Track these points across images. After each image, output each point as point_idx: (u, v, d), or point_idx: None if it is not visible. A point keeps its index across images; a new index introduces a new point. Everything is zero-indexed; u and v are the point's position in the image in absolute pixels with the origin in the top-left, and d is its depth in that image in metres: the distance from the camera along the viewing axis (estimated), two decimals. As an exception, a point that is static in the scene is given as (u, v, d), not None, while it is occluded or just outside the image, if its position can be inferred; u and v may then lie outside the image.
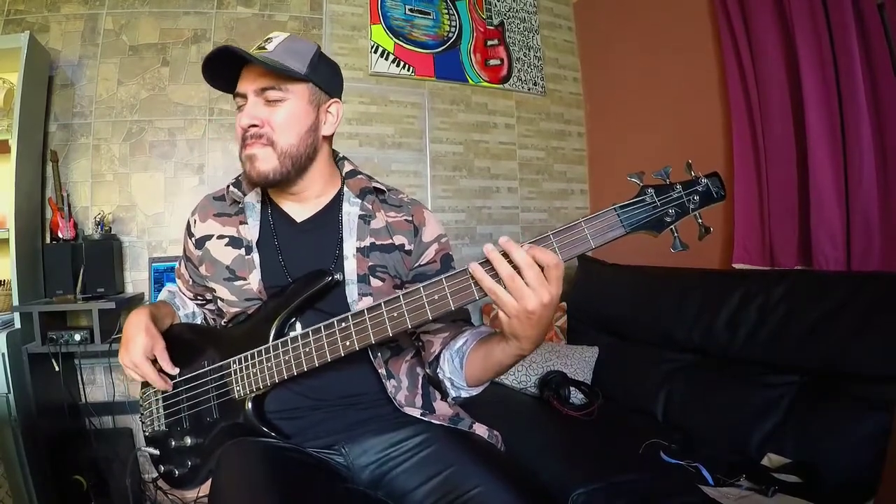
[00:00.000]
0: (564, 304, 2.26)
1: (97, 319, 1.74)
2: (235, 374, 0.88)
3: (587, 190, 2.81)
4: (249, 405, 0.87)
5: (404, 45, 2.43)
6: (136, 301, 2.00)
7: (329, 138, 0.96)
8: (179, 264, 1.11)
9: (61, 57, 2.04)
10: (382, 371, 0.91)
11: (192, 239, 1.01)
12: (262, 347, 0.85)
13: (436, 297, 0.72)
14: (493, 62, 2.58)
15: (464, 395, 0.91)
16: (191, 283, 1.08)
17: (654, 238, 0.69)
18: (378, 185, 0.99)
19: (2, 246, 1.77)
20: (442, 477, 0.81)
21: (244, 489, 0.73)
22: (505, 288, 0.67)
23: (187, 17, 2.17)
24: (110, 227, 2.00)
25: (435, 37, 2.48)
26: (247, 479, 0.75)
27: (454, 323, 0.94)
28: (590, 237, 0.68)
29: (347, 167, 1.01)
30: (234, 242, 0.95)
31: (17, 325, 1.73)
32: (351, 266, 0.91)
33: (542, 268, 0.67)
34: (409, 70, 2.42)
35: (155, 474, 1.02)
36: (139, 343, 0.91)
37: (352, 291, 0.89)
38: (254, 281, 0.92)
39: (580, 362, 1.93)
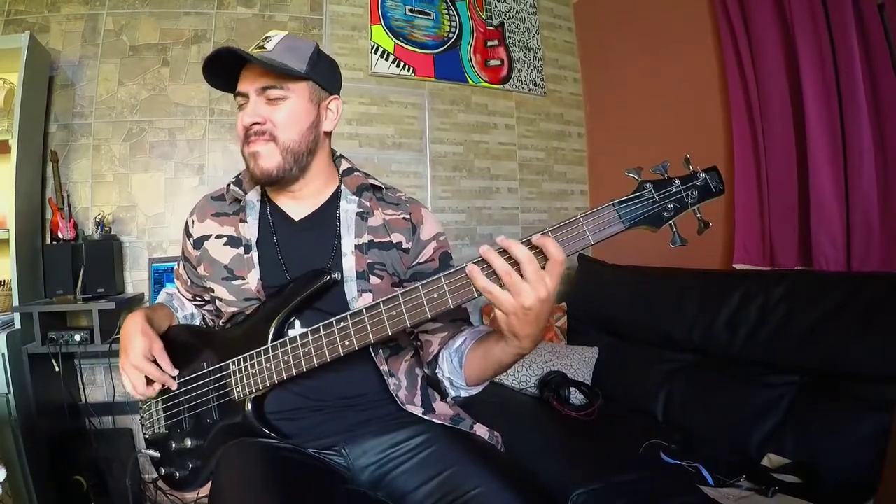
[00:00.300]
0: (564, 304, 2.26)
1: (97, 320, 1.74)
2: (235, 374, 0.88)
3: (587, 190, 2.81)
4: (249, 406, 0.86)
5: (404, 45, 2.43)
6: (136, 301, 2.00)
7: (329, 135, 0.97)
8: (178, 265, 1.11)
9: (61, 57, 2.04)
10: (384, 368, 0.91)
11: (191, 239, 1.01)
12: (261, 348, 0.85)
13: (435, 295, 0.72)
14: (493, 63, 2.59)
15: (463, 394, 0.91)
16: (189, 283, 1.07)
17: (654, 234, 0.69)
18: (375, 183, 0.99)
19: (2, 246, 1.77)
20: (442, 477, 0.81)
21: (244, 490, 0.73)
22: (501, 285, 0.67)
23: (188, 18, 2.17)
24: (110, 228, 2.00)
25: (435, 37, 2.48)
26: (247, 480, 0.75)
27: (453, 322, 0.94)
28: (588, 233, 0.67)
29: (344, 165, 1.02)
30: (233, 242, 0.95)
31: (17, 325, 1.73)
32: (349, 263, 0.91)
33: (545, 261, 0.67)
34: (409, 70, 2.42)
35: (155, 475, 1.02)
36: (137, 345, 0.90)
37: (351, 288, 0.89)
38: (252, 280, 0.92)
39: (580, 363, 1.93)
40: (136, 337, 0.91)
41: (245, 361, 0.87)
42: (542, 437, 1.53)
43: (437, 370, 0.93)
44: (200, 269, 0.99)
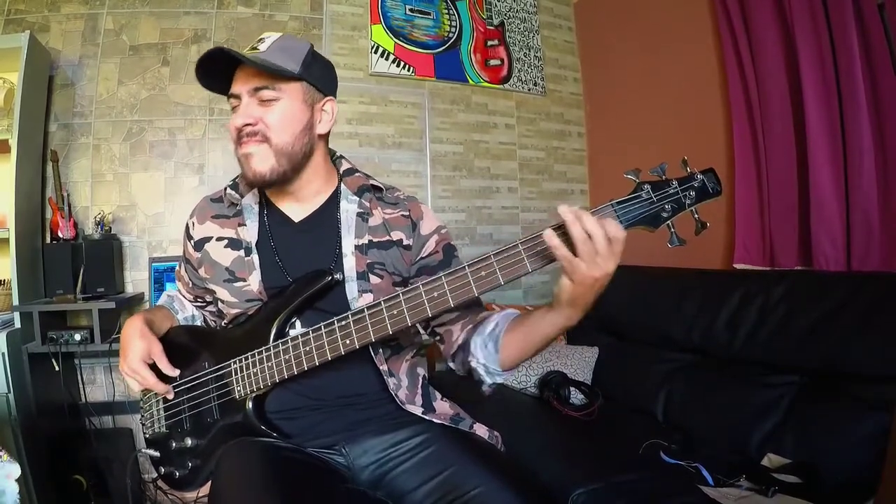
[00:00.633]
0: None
1: (97, 319, 1.74)
2: (236, 374, 0.88)
3: (587, 190, 2.81)
4: (250, 405, 0.87)
5: (404, 45, 2.43)
6: (136, 301, 2.00)
7: (325, 137, 0.96)
8: (179, 266, 1.11)
9: (61, 57, 2.04)
10: (384, 368, 0.91)
11: (191, 241, 1.01)
12: (262, 348, 0.85)
13: (435, 294, 0.72)
14: (493, 62, 2.58)
15: (499, 380, 0.89)
16: (191, 285, 1.07)
17: (652, 234, 0.70)
18: (375, 183, 0.99)
19: (2, 246, 1.77)
20: (442, 477, 0.81)
21: (244, 489, 0.73)
22: (574, 254, 0.68)
23: (187, 17, 2.17)
24: (110, 227, 2.00)
25: (435, 37, 2.48)
26: (247, 479, 0.75)
27: (468, 308, 0.92)
28: (622, 223, 0.68)
29: (344, 165, 1.01)
30: (234, 244, 0.95)
31: (17, 324, 1.73)
32: (350, 263, 0.91)
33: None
34: (409, 70, 2.42)
35: (155, 474, 1.02)
36: (136, 348, 0.90)
37: (352, 289, 0.89)
38: (254, 282, 0.92)
39: (580, 362, 1.93)
40: (135, 340, 0.91)
41: (246, 361, 0.87)
42: (542, 437, 1.53)
43: (471, 358, 0.89)
44: (202, 271, 0.99)
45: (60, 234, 1.84)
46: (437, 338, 0.97)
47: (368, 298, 0.88)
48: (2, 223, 1.83)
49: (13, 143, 1.72)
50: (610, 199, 0.69)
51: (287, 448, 0.85)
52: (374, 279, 0.91)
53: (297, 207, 0.97)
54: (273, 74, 0.85)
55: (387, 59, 2.39)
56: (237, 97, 0.88)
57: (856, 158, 1.49)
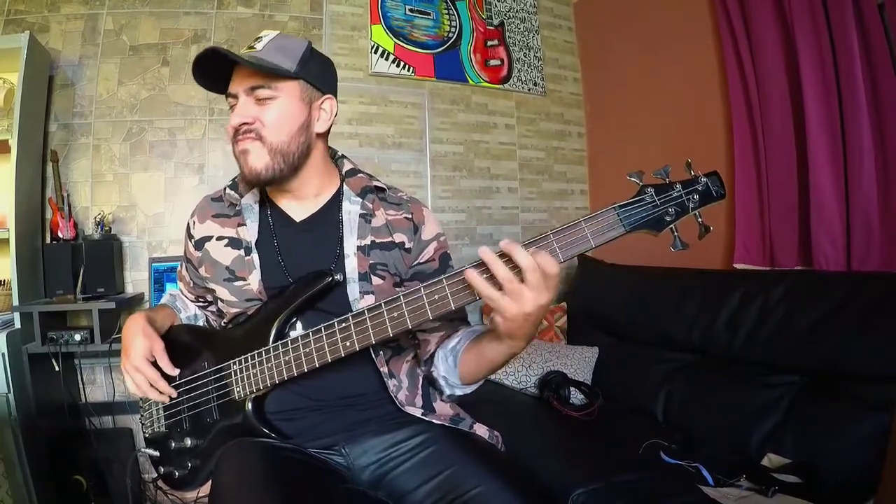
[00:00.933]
0: (564, 304, 2.26)
1: (97, 319, 1.74)
2: (235, 374, 0.88)
3: (587, 190, 2.81)
4: (250, 406, 0.87)
5: (404, 45, 2.43)
6: (136, 301, 2.00)
7: (324, 136, 0.95)
8: (181, 266, 1.10)
9: (61, 57, 2.04)
10: (385, 370, 0.91)
11: (192, 240, 1.01)
12: (262, 349, 0.85)
13: (436, 297, 0.72)
14: (493, 62, 2.58)
15: (458, 392, 0.92)
16: (192, 285, 1.07)
17: (655, 237, 0.69)
18: (378, 184, 0.99)
19: (2, 246, 1.77)
20: (442, 477, 0.81)
21: (244, 489, 0.73)
22: (502, 291, 0.67)
23: (187, 17, 2.17)
24: (110, 227, 2.00)
25: (435, 37, 2.48)
26: (247, 480, 0.75)
27: (451, 322, 0.94)
28: (590, 236, 0.68)
29: (347, 166, 1.01)
30: (234, 243, 0.95)
31: (17, 325, 1.73)
32: (352, 264, 0.90)
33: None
34: (409, 70, 2.42)
35: (155, 474, 1.02)
36: (138, 346, 0.91)
37: (353, 290, 0.89)
38: (254, 281, 0.91)
39: (580, 362, 1.93)
40: (137, 338, 0.91)
41: (246, 361, 0.87)
42: (542, 437, 1.53)
43: (433, 369, 0.93)
44: (202, 271, 0.99)
45: (60, 235, 1.84)
46: (416, 342, 0.98)
47: (370, 300, 0.88)
48: (2, 223, 1.83)
49: (13, 143, 1.71)
50: (612, 203, 0.68)
51: (287, 448, 0.85)
52: (376, 280, 0.91)
53: (298, 207, 0.96)
54: (269, 73, 0.85)
55: (387, 59, 2.39)
56: (234, 97, 0.88)
57: (856, 158, 1.49)
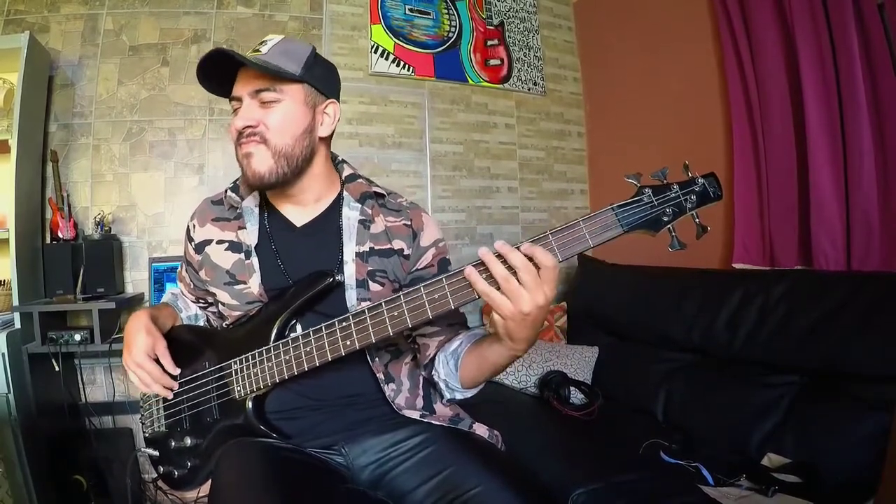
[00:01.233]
0: (564, 303, 2.26)
1: (97, 319, 1.74)
2: (236, 374, 0.88)
3: (587, 190, 2.81)
4: (250, 405, 0.87)
5: (404, 45, 2.43)
6: (136, 301, 2.00)
7: (327, 140, 0.95)
8: (181, 268, 1.10)
9: (61, 57, 2.04)
10: (380, 375, 0.91)
11: (192, 243, 1.01)
12: (262, 348, 0.85)
13: (436, 296, 0.72)
14: (493, 62, 2.58)
15: (458, 396, 0.93)
16: (192, 286, 1.07)
17: (653, 237, 0.70)
18: (378, 190, 0.99)
19: (2, 246, 1.77)
20: (442, 477, 0.81)
21: (244, 489, 0.73)
22: (499, 290, 0.68)
23: (187, 17, 2.17)
24: (110, 227, 2.00)
25: (435, 37, 2.48)
26: (247, 479, 0.75)
27: (450, 326, 0.94)
28: (588, 236, 0.68)
29: (347, 171, 1.01)
30: (234, 247, 0.95)
31: (17, 325, 1.73)
32: (350, 271, 0.91)
33: (538, 268, 0.67)
34: (409, 70, 2.42)
35: (155, 474, 1.02)
36: (141, 343, 0.91)
37: (351, 296, 0.90)
38: (254, 285, 0.92)
39: (580, 362, 1.93)
40: (140, 335, 0.92)
41: (246, 361, 0.87)
42: (542, 436, 1.53)
43: (434, 373, 0.93)
44: (202, 274, 0.99)
45: (60, 235, 1.84)
46: (416, 346, 0.98)
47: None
48: (2, 223, 1.83)
49: (13, 143, 1.71)
50: (610, 203, 0.69)
51: (287, 448, 0.85)
52: (374, 286, 0.91)
53: (299, 211, 0.96)
54: (274, 76, 0.85)
55: (387, 58, 2.39)
56: (238, 99, 0.88)
57: (856, 158, 1.49)
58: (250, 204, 0.98)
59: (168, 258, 2.05)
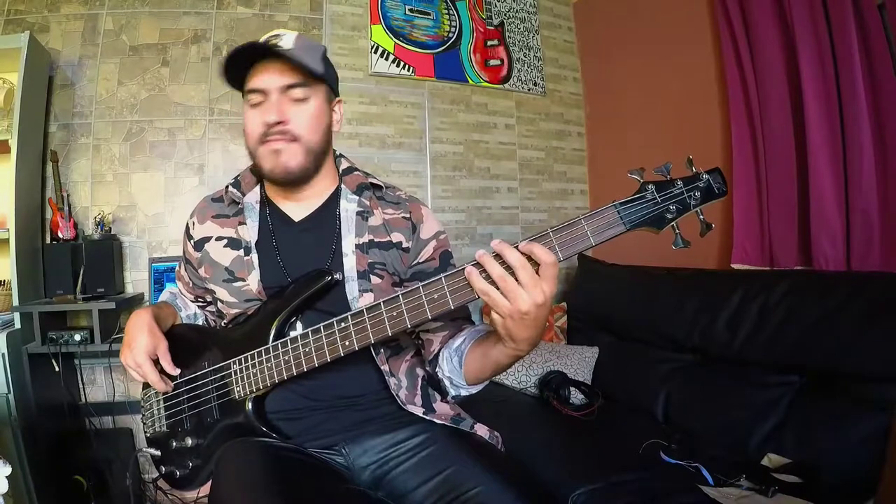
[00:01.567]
0: (564, 304, 2.26)
1: (97, 319, 1.74)
2: (236, 374, 0.88)
3: (587, 190, 2.81)
4: (250, 405, 0.87)
5: (404, 45, 2.43)
6: (136, 301, 2.00)
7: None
8: (179, 266, 1.11)
9: (61, 57, 2.04)
10: (385, 368, 0.91)
11: (191, 241, 1.01)
12: (262, 348, 0.85)
13: (435, 296, 0.72)
14: (493, 62, 2.58)
15: (463, 393, 0.91)
16: (191, 285, 1.07)
17: (655, 235, 0.69)
18: (375, 181, 0.99)
19: (2, 246, 1.77)
20: (442, 477, 0.81)
21: (244, 489, 0.73)
22: (498, 289, 0.67)
23: (187, 18, 2.17)
24: (110, 227, 2.00)
25: (435, 37, 2.48)
26: (247, 480, 0.75)
27: (454, 322, 0.94)
28: (590, 234, 0.67)
29: (344, 164, 1.02)
30: (233, 244, 0.95)
31: (17, 325, 1.73)
32: (350, 263, 0.91)
33: (537, 265, 0.66)
34: (409, 70, 2.42)
35: (155, 474, 1.02)
36: (142, 343, 0.91)
37: (352, 288, 0.89)
38: (253, 282, 0.92)
39: (580, 362, 1.93)
40: (142, 334, 0.91)
41: (246, 361, 0.87)
42: (542, 437, 1.53)
43: (438, 369, 0.93)
44: (201, 271, 0.99)
45: (60, 235, 1.84)
46: (420, 342, 0.98)
47: (369, 298, 0.88)
48: (2, 223, 1.83)
49: (13, 143, 1.71)
50: (612, 201, 0.68)
51: (287, 448, 0.85)
52: (374, 279, 0.91)
53: (299, 206, 0.97)
54: (305, 72, 0.85)
55: (387, 59, 2.39)
56: (261, 92, 0.87)
57: (855, 159, 1.49)
58: (251, 199, 0.98)
59: (168, 258, 2.05)
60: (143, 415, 1.03)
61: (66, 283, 1.78)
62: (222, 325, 1.01)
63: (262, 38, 0.89)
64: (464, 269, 0.70)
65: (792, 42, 1.63)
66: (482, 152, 2.58)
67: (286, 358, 0.83)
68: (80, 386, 1.91)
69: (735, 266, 1.83)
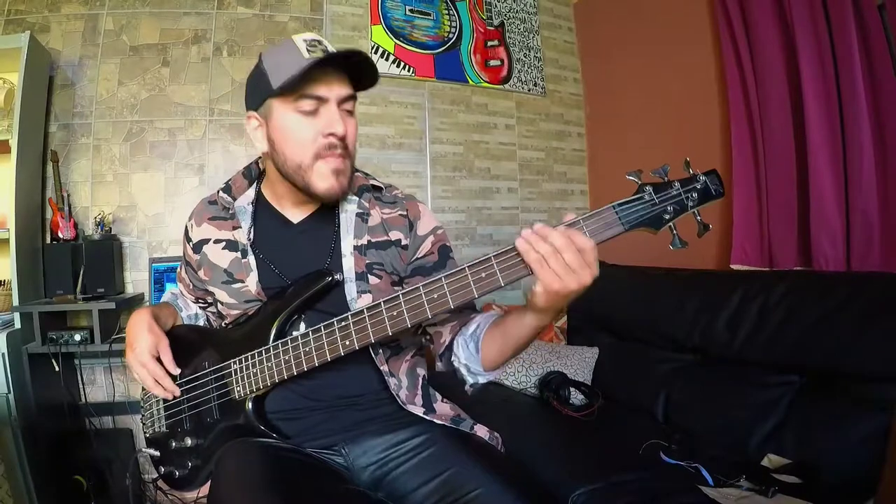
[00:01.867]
0: (564, 304, 2.26)
1: (97, 319, 1.74)
2: (235, 374, 0.88)
3: (587, 191, 2.81)
4: (250, 405, 0.87)
5: (404, 45, 2.43)
6: (137, 301, 2.00)
7: None
8: (180, 268, 1.11)
9: (61, 57, 2.04)
10: (385, 368, 0.91)
11: (190, 243, 1.01)
12: (261, 348, 0.85)
13: (435, 295, 0.72)
14: (493, 63, 2.59)
15: (481, 380, 0.88)
16: (192, 286, 1.08)
17: (654, 235, 0.70)
18: (375, 183, 0.99)
19: (2, 246, 1.77)
20: (442, 478, 0.81)
21: (244, 489, 0.73)
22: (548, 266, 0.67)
23: (187, 18, 2.17)
24: (110, 228, 2.00)
25: (435, 37, 2.48)
26: (247, 480, 0.75)
27: (461, 311, 0.92)
28: (589, 235, 0.68)
29: None
30: (231, 246, 0.95)
31: (17, 325, 1.73)
32: (349, 264, 0.91)
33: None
34: (409, 71, 2.42)
35: (155, 475, 1.02)
36: (144, 341, 0.91)
37: (350, 289, 0.89)
38: (251, 283, 0.92)
39: (580, 363, 1.93)
40: (144, 333, 0.92)
41: (246, 361, 0.87)
42: (542, 437, 1.53)
43: (454, 358, 0.90)
44: (201, 274, 0.99)
45: (60, 235, 1.84)
46: (427, 338, 0.97)
47: (367, 299, 0.88)
48: (2, 223, 1.83)
49: (13, 143, 1.71)
50: (611, 201, 0.68)
51: (287, 448, 0.85)
52: (372, 279, 0.91)
53: (299, 209, 0.96)
54: (359, 86, 0.87)
55: (387, 59, 2.39)
56: (319, 100, 0.83)
57: (855, 159, 1.49)
58: (243, 203, 0.98)
59: (168, 258, 2.05)
60: (143, 415, 1.03)
61: (66, 283, 1.78)
62: (223, 325, 1.01)
63: (327, 46, 0.84)
64: (464, 267, 0.70)
65: (792, 42, 1.63)
66: (482, 153, 2.58)
67: (286, 357, 0.83)
68: (80, 386, 1.91)
69: (734, 267, 1.83)
